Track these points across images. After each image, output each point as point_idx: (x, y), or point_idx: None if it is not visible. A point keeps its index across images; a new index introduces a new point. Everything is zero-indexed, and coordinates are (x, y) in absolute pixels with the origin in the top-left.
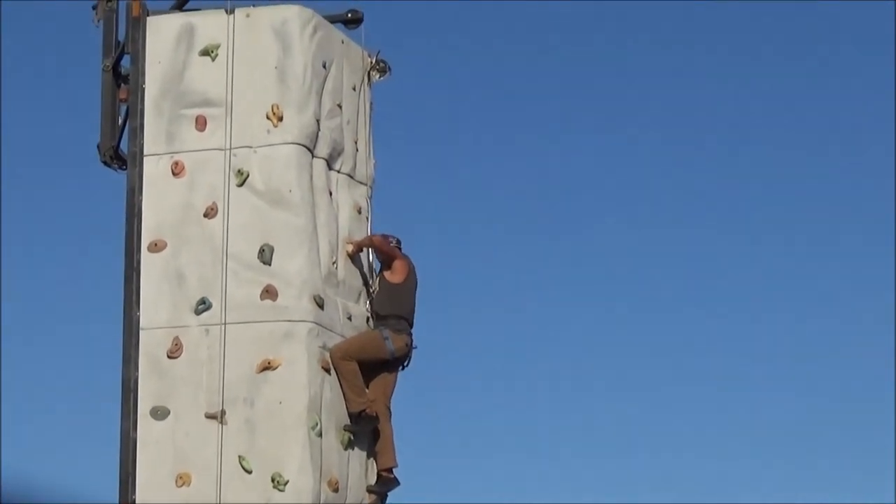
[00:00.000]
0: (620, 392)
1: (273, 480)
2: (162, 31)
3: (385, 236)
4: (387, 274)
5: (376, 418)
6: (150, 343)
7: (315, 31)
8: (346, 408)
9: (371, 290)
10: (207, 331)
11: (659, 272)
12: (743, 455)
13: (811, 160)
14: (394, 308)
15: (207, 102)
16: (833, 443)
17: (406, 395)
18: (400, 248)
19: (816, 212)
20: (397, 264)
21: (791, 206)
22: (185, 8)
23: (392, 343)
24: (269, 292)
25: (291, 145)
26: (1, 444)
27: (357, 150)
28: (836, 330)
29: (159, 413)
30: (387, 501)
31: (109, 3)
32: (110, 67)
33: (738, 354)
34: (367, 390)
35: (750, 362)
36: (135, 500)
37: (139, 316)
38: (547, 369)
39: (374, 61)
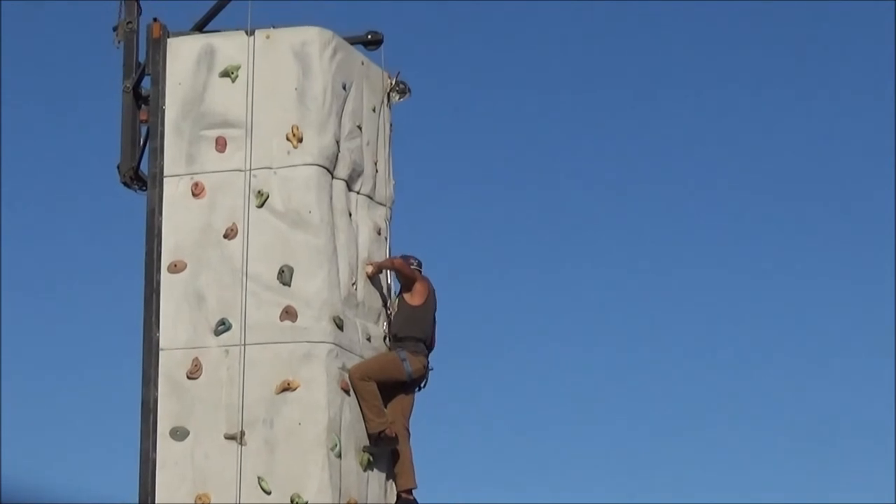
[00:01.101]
0: (627, 397)
1: (292, 501)
2: (182, 53)
3: (406, 257)
4: (406, 296)
5: (396, 439)
6: (170, 364)
7: (335, 52)
8: (366, 428)
9: (389, 312)
10: (227, 352)
11: (664, 278)
12: (743, 455)
13: (810, 162)
14: (412, 330)
15: (227, 124)
16: (833, 443)
17: (425, 417)
18: (420, 270)
19: (817, 212)
20: (417, 287)
21: (792, 207)
22: (205, 29)
23: (410, 365)
24: (289, 313)
25: (311, 166)
26: (2, 457)
27: (377, 171)
28: (837, 330)
29: (179, 433)
30: None
31: (130, 25)
32: (131, 89)
33: (737, 355)
34: (385, 411)
35: (749, 363)
36: None
37: (159, 336)
38: (564, 390)
39: (393, 82)
